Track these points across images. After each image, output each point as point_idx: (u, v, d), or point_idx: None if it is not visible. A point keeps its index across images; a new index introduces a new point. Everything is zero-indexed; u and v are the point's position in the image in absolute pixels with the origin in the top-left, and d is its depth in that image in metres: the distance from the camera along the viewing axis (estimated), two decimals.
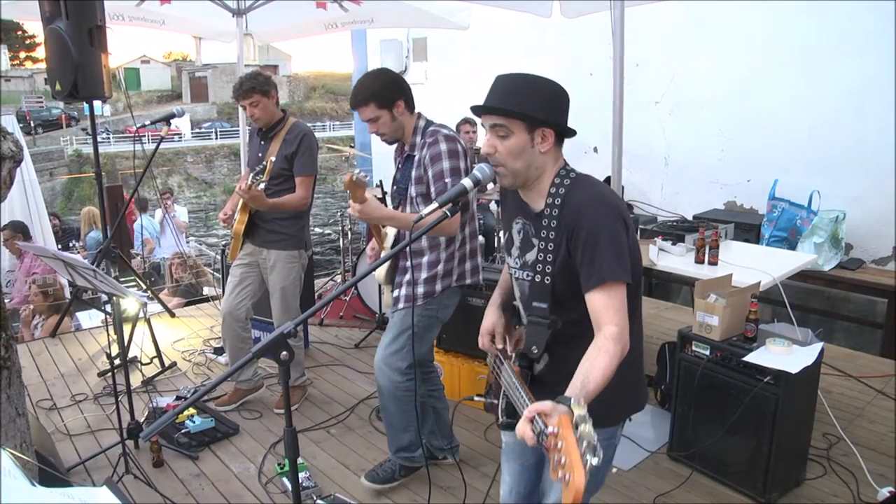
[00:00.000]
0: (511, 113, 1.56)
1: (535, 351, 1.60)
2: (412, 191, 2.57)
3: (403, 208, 2.62)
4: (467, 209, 2.60)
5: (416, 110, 2.63)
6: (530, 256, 1.67)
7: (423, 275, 2.61)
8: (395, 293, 2.67)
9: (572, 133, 1.63)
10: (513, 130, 1.57)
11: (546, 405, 1.21)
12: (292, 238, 3.38)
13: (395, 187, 2.71)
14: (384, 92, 2.49)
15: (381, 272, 2.76)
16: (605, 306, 1.50)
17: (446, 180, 2.44)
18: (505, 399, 1.73)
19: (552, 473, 1.13)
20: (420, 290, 2.60)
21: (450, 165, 2.45)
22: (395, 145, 2.72)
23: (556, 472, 1.10)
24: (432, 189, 2.48)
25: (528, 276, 1.69)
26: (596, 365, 1.43)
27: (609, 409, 1.71)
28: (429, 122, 2.62)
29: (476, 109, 1.64)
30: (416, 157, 2.55)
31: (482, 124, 1.65)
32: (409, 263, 2.61)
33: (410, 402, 2.71)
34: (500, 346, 1.81)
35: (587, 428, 1.10)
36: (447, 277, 2.62)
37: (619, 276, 1.52)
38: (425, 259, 2.62)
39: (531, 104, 1.57)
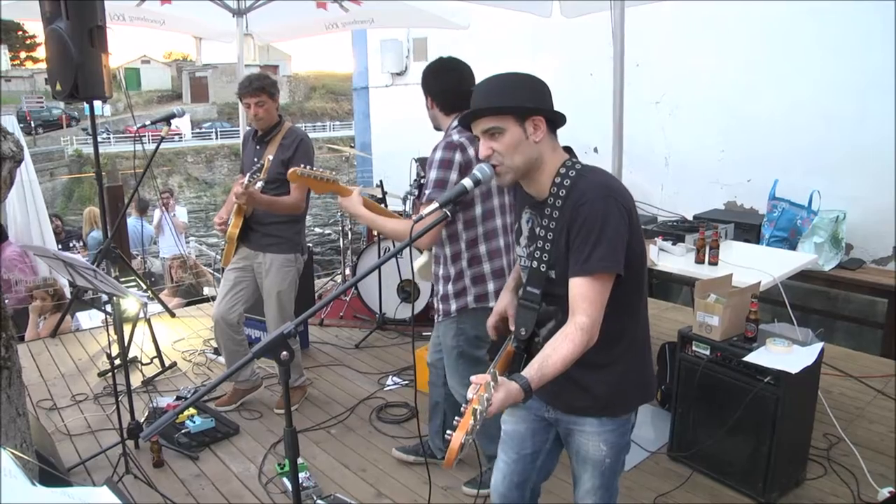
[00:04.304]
0: (500, 109, 1.56)
1: (524, 333, 1.65)
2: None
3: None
4: (453, 223, 2.43)
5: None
6: (535, 245, 1.68)
7: (441, 289, 2.52)
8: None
9: (563, 119, 1.63)
10: (505, 127, 1.57)
11: (482, 376, 1.35)
12: (288, 242, 3.35)
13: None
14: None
15: (424, 270, 2.66)
16: (583, 296, 1.53)
17: (427, 190, 2.42)
18: None
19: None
20: (441, 306, 2.53)
21: (435, 176, 2.38)
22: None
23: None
24: (423, 194, 2.45)
25: (533, 264, 1.70)
26: (558, 351, 1.49)
27: (623, 399, 1.75)
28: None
29: (465, 118, 1.63)
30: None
31: (476, 135, 1.64)
32: (440, 272, 2.52)
33: None
34: (511, 329, 1.82)
35: (487, 396, 1.29)
36: (461, 297, 2.47)
37: (608, 268, 1.54)
38: (440, 272, 2.53)
39: (516, 96, 1.58)
